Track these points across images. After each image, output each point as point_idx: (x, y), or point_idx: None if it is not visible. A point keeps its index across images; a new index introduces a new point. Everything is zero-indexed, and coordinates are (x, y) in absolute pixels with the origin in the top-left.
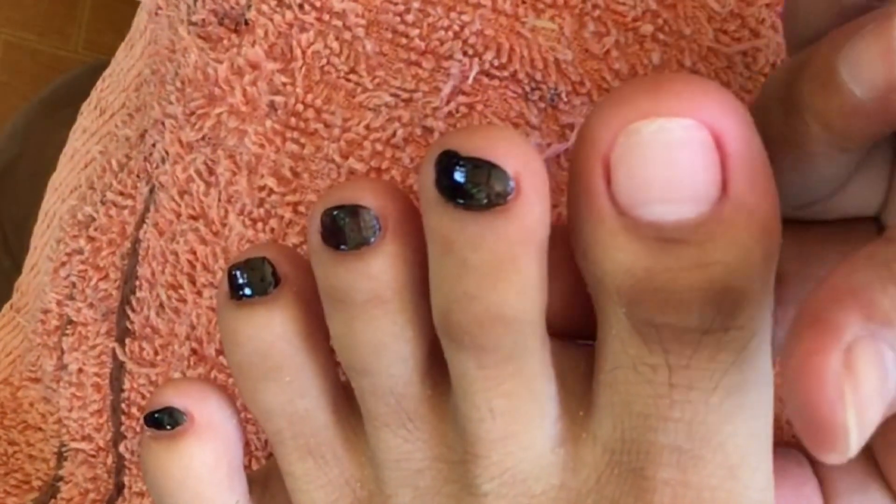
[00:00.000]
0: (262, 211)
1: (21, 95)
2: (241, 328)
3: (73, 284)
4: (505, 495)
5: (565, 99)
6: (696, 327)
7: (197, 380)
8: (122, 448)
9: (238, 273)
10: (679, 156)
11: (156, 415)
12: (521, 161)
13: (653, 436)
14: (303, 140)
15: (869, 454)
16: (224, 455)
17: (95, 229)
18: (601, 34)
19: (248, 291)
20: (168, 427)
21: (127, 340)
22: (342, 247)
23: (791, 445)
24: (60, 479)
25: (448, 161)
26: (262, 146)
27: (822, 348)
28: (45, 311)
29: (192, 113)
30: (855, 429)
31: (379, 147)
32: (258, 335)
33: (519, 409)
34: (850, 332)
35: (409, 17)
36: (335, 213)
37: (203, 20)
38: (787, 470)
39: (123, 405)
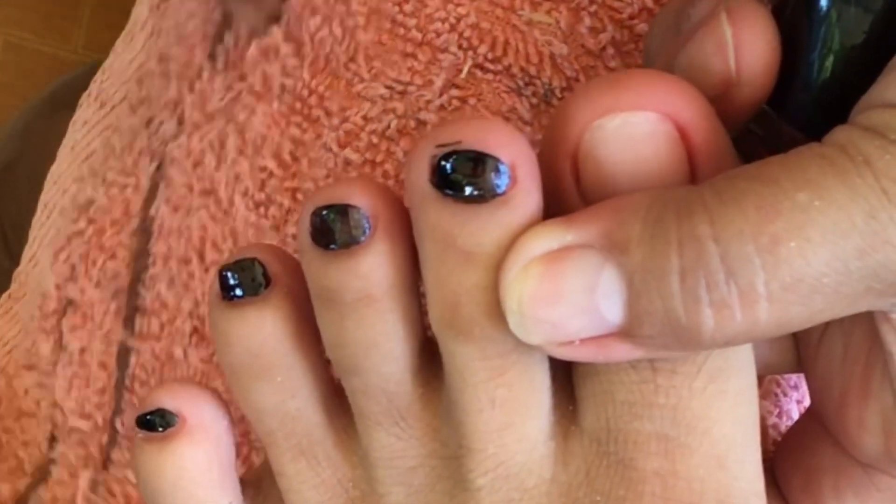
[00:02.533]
0: (263, 195)
1: (21, 95)
2: (233, 329)
3: (73, 267)
4: (498, 489)
5: (559, 95)
6: None
7: (189, 382)
8: (117, 423)
9: (229, 274)
10: (645, 149)
11: (148, 417)
12: (516, 150)
13: (638, 424)
14: (305, 125)
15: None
16: (216, 456)
17: (96, 211)
18: (597, 30)
19: (238, 292)
20: (160, 429)
21: (136, 317)
22: (332, 246)
23: (766, 458)
24: (52, 461)
25: (443, 155)
26: (268, 126)
27: (533, 234)
28: (44, 296)
29: (225, 84)
30: (517, 315)
31: (375, 139)
32: (249, 336)
33: (518, 398)
34: (576, 235)
35: (408, 8)
36: (324, 212)
37: None
38: None
39: (127, 380)
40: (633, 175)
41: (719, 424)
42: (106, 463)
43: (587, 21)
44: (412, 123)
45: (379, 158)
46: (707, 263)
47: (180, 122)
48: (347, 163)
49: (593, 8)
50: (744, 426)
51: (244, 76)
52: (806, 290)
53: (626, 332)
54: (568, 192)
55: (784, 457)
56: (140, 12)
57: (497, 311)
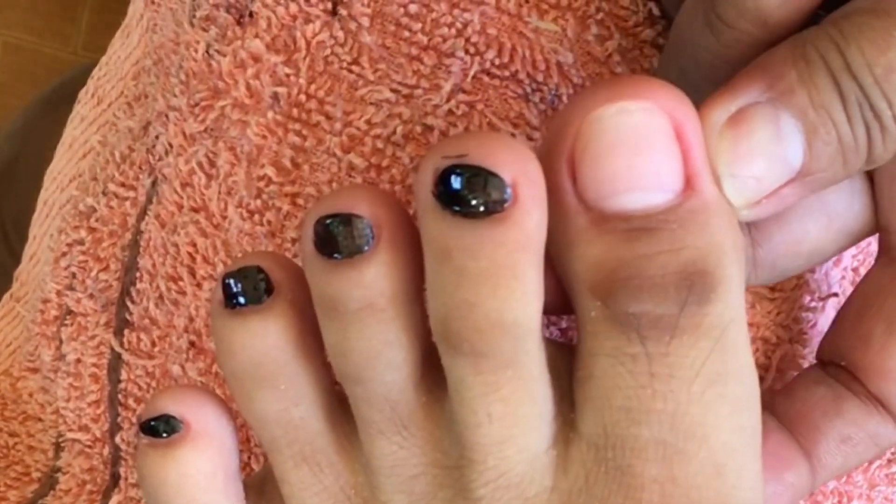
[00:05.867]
0: (259, 202)
1: (20, 96)
2: (236, 337)
3: (74, 275)
4: (499, 499)
5: (566, 102)
6: (673, 312)
7: (193, 387)
8: (118, 439)
9: (232, 282)
10: (641, 140)
11: (152, 422)
12: (519, 168)
13: (636, 429)
14: (305, 132)
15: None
16: (220, 462)
17: (96, 220)
18: (604, 38)
19: (241, 300)
20: (164, 435)
21: (125, 331)
22: (336, 255)
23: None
24: (58, 469)
25: (445, 168)
26: (263, 137)
27: (713, 104)
28: (45, 301)
29: (196, 105)
30: (729, 177)
31: (379, 144)
32: (252, 344)
33: (516, 413)
34: (746, 97)
35: (413, 10)
36: (328, 221)
37: (207, 16)
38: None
39: (120, 396)
40: (629, 169)
41: (718, 431)
42: (115, 480)
43: (594, 29)
44: (418, 129)
45: (385, 163)
46: (855, 91)
47: (169, 140)
48: (352, 167)
49: (600, 16)
50: (743, 435)
51: (217, 93)
52: None
53: (803, 173)
54: (563, 192)
55: (860, 312)
56: (136, 6)
57: (486, 328)
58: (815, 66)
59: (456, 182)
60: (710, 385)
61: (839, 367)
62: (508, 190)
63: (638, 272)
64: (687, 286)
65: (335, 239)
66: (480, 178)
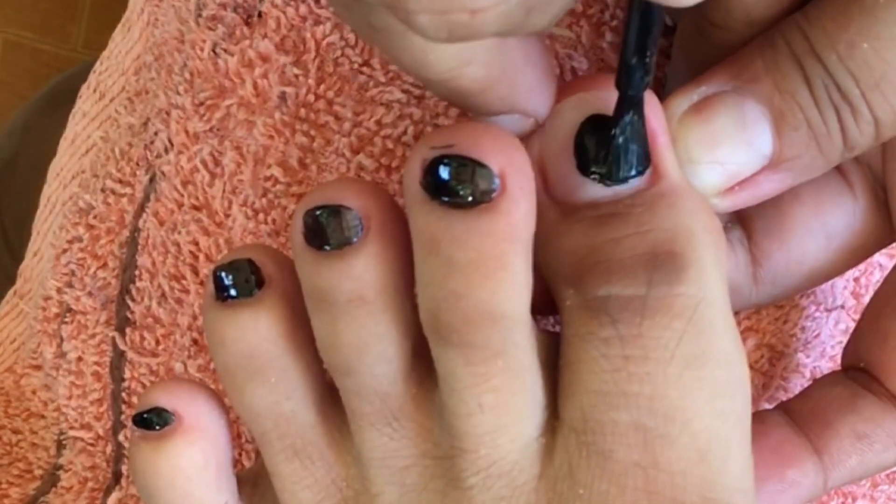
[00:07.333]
0: (264, 202)
1: (20, 94)
2: (227, 330)
3: (73, 272)
4: (490, 487)
5: None
6: (641, 292)
7: (186, 380)
8: (121, 437)
9: (223, 274)
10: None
11: (144, 415)
12: (506, 158)
13: (615, 414)
14: (313, 132)
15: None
16: (213, 455)
17: (94, 217)
18: (618, 45)
19: (233, 293)
20: (157, 427)
21: (127, 330)
22: (325, 247)
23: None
24: (60, 467)
25: (433, 159)
26: (270, 137)
27: (675, 93)
28: (46, 299)
29: (201, 104)
30: (689, 163)
31: (389, 144)
32: (243, 337)
33: (508, 402)
34: (709, 86)
35: None
36: (318, 213)
37: (213, 15)
38: (765, 431)
39: (124, 394)
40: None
41: (698, 416)
42: (116, 478)
43: (608, 36)
44: (430, 129)
45: (395, 164)
46: (820, 72)
47: (170, 138)
48: (361, 168)
49: (614, 23)
50: (726, 421)
51: (223, 92)
52: (890, 85)
53: (777, 160)
54: (536, 191)
55: (878, 311)
56: (137, 1)
57: (475, 319)
58: (780, 53)
59: (444, 172)
60: (686, 367)
61: (859, 369)
62: (496, 180)
63: (606, 256)
64: (654, 266)
65: (324, 231)
66: (468, 168)
